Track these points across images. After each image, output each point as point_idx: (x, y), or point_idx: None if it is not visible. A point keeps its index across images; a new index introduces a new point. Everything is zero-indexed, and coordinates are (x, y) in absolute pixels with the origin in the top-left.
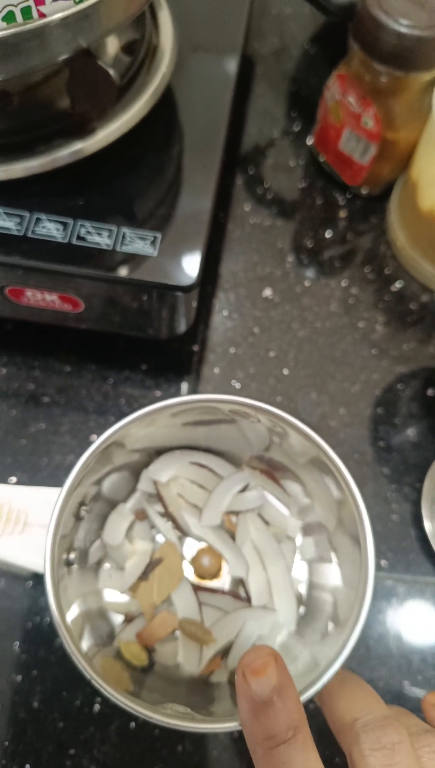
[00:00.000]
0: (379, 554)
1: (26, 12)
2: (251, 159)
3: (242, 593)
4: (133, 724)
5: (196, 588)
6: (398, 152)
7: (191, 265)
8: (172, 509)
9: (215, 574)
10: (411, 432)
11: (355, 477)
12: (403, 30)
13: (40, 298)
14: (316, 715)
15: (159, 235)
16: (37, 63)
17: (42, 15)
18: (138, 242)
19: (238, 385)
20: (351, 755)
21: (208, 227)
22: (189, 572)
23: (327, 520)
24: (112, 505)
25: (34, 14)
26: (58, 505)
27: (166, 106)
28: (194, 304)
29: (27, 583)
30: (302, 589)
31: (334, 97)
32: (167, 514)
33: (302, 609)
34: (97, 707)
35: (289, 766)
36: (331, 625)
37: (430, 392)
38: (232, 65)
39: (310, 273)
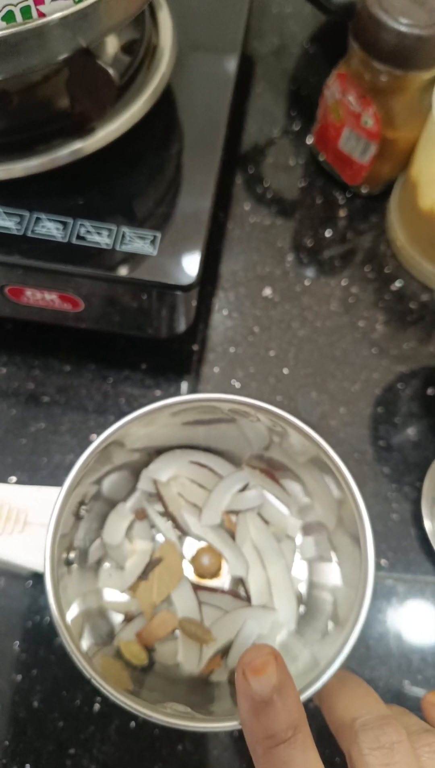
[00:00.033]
0: (379, 553)
1: (26, 11)
2: (251, 158)
3: (242, 592)
4: (133, 724)
5: (196, 587)
6: (398, 151)
7: (191, 265)
8: (171, 508)
9: (215, 574)
10: (411, 431)
11: (355, 476)
12: (403, 29)
13: (40, 297)
14: (316, 715)
15: (159, 235)
16: (36, 62)
17: (41, 14)
18: (138, 241)
19: (238, 385)
20: (350, 754)
21: (208, 226)
22: (189, 571)
23: (327, 520)
24: (112, 504)
25: (34, 14)
26: (57, 504)
27: (165, 105)
28: (194, 303)
29: (27, 582)
30: (302, 588)
31: (333, 96)
32: (167, 514)
33: (302, 608)
34: (97, 706)
35: (289, 765)
36: (331, 625)
37: (430, 391)
38: (231, 64)
39: (310, 272)
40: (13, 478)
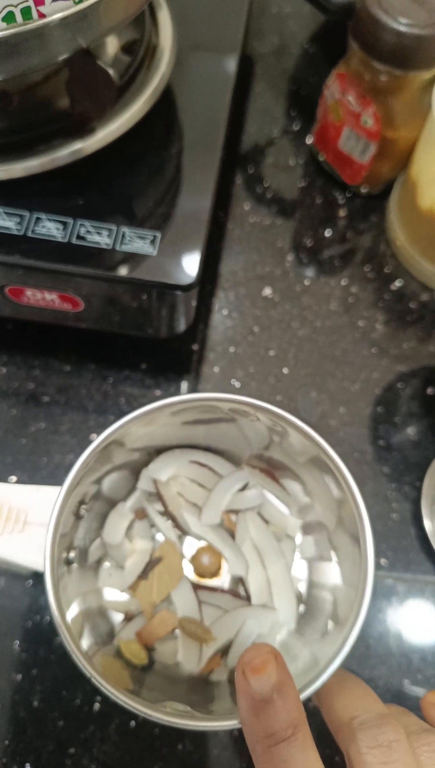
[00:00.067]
0: (379, 553)
1: (26, 12)
2: (251, 158)
3: (242, 592)
4: (133, 723)
5: (196, 587)
6: (398, 151)
7: (191, 264)
8: (171, 508)
9: (215, 573)
10: (411, 431)
11: (355, 476)
12: (403, 29)
13: (40, 297)
14: (316, 714)
15: (158, 235)
16: (36, 63)
17: (42, 15)
18: (137, 241)
19: (237, 384)
20: (348, 753)
21: (208, 226)
22: (189, 571)
23: (327, 519)
24: (112, 503)
25: (34, 14)
26: (57, 503)
27: (165, 105)
28: (194, 303)
29: (27, 581)
30: (302, 587)
31: (333, 96)
32: (167, 513)
33: (302, 608)
34: (97, 706)
35: (289, 764)
36: (330, 624)
37: (430, 391)
38: (231, 64)
39: (309, 272)
40: (13, 478)
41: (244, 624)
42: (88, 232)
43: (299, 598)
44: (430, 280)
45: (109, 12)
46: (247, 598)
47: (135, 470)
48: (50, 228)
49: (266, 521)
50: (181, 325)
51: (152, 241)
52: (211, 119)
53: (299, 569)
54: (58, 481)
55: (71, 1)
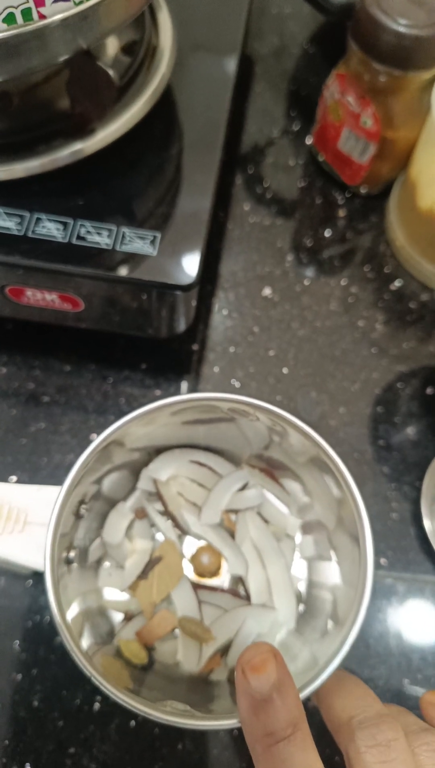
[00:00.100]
0: (378, 552)
1: (26, 13)
2: (251, 158)
3: (242, 591)
4: (133, 723)
5: (196, 586)
6: (397, 151)
7: (191, 265)
8: (171, 508)
9: (215, 573)
10: (411, 431)
11: (354, 476)
12: (402, 29)
13: (40, 297)
14: (316, 714)
15: (158, 235)
16: (37, 64)
17: (42, 16)
18: (137, 242)
19: (237, 384)
20: (347, 753)
21: (208, 226)
22: (188, 570)
23: (326, 519)
24: (112, 503)
25: (35, 16)
26: (58, 503)
27: (165, 105)
28: (194, 303)
29: (27, 581)
30: (302, 587)
31: (333, 97)
32: (167, 513)
33: (302, 607)
34: (97, 706)
35: (289, 763)
36: (330, 624)
37: (429, 391)
38: (231, 65)
39: (309, 272)
40: (14, 478)
41: (243, 623)
42: (89, 232)
43: (299, 598)
44: (429, 280)
45: (109, 13)
46: (247, 598)
47: (135, 470)
48: (50, 228)
49: (266, 521)
50: (181, 325)
51: (152, 242)
52: (211, 120)
53: (299, 569)
54: (58, 481)
55: (71, 2)
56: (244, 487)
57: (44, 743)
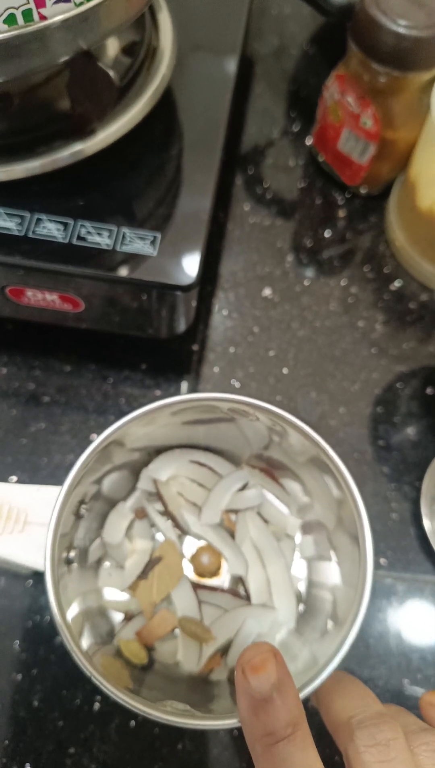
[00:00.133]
0: (378, 553)
1: (27, 14)
2: (251, 159)
3: (242, 591)
4: (133, 723)
5: (196, 586)
6: (397, 152)
7: (191, 265)
8: (171, 508)
9: (215, 573)
10: (410, 431)
11: (354, 476)
12: (402, 30)
13: (41, 298)
14: (315, 714)
15: (159, 235)
16: (37, 65)
17: (43, 17)
18: (138, 242)
19: (237, 385)
20: (346, 752)
21: (208, 227)
22: (188, 570)
23: (326, 519)
24: (112, 503)
25: (35, 17)
26: (58, 503)
27: (165, 106)
28: (194, 303)
29: (27, 581)
30: (302, 587)
31: (333, 97)
32: (167, 513)
33: (302, 607)
34: (97, 706)
35: (289, 762)
36: (330, 624)
37: (429, 391)
38: (231, 65)
39: (309, 272)
40: (14, 478)
41: (243, 623)
42: (89, 232)
43: (299, 598)
44: (429, 280)
45: (109, 14)
46: (247, 598)
47: (135, 470)
48: (51, 229)
49: (266, 521)
50: (181, 326)
51: (152, 242)
52: (211, 120)
53: (299, 569)
54: (58, 481)
55: (72, 3)
56: (244, 487)
57: (44, 743)
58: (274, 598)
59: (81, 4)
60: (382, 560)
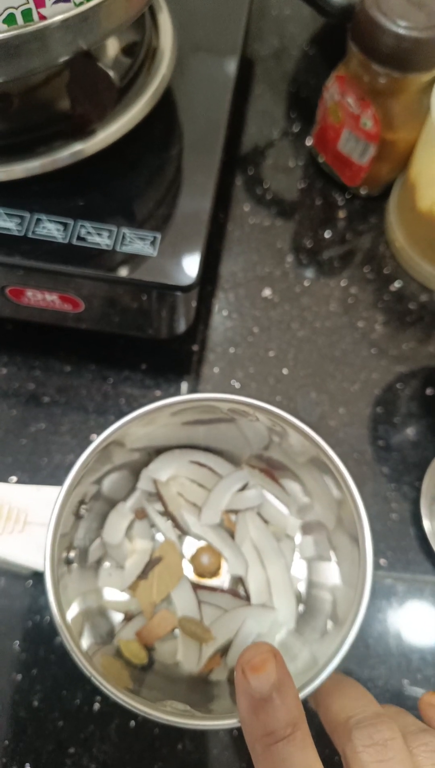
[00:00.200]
0: (378, 553)
1: (27, 14)
2: (251, 159)
3: (241, 591)
4: (132, 723)
5: (196, 586)
6: (397, 153)
7: (191, 265)
8: (171, 508)
9: (214, 573)
10: (410, 431)
11: (354, 476)
12: (402, 31)
13: (41, 298)
14: (315, 715)
15: (159, 236)
16: (37, 65)
17: (42, 17)
18: (138, 242)
19: (237, 385)
20: (344, 752)
21: (208, 227)
22: (188, 571)
23: (326, 519)
24: (112, 503)
25: (35, 17)
26: (58, 503)
27: (165, 107)
28: (194, 303)
29: (27, 581)
30: (301, 587)
31: (333, 98)
32: (167, 513)
33: (301, 607)
34: (97, 706)
35: (288, 762)
36: (330, 624)
37: (429, 391)
38: (231, 66)
39: (309, 273)
40: (14, 478)
41: (243, 623)
42: (89, 233)
43: (299, 598)
44: (429, 281)
45: (109, 14)
46: (247, 598)
47: (135, 470)
48: (51, 229)
49: (266, 521)
50: (181, 326)
51: (152, 242)
52: (211, 121)
53: (299, 569)
54: (58, 481)
55: (72, 3)
56: (244, 488)
57: (44, 743)
58: (273, 599)
59: (81, 4)
60: (382, 560)
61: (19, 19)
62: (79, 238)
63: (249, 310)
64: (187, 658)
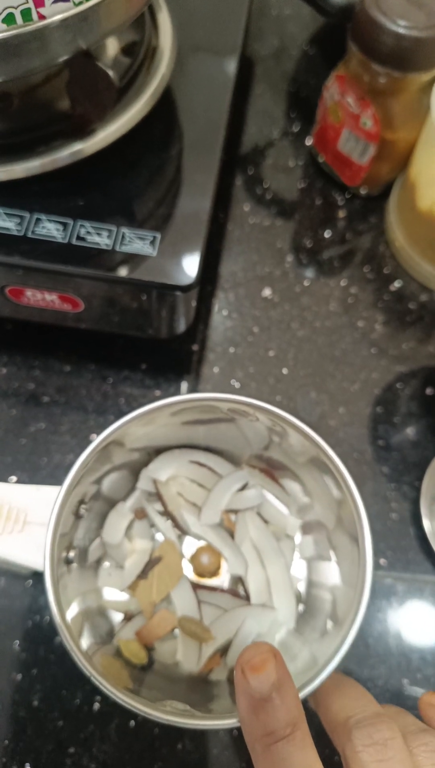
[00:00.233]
0: (378, 553)
1: (26, 14)
2: (251, 159)
3: (241, 591)
4: (132, 723)
5: (196, 586)
6: (397, 152)
7: (190, 265)
8: (171, 508)
9: (214, 573)
10: (410, 431)
11: (354, 476)
12: (401, 31)
13: (40, 298)
14: (315, 714)
15: (158, 235)
16: (37, 64)
17: (42, 17)
18: (137, 242)
19: (237, 385)
20: (344, 752)
21: (208, 227)
22: (188, 570)
23: (326, 519)
24: (112, 503)
25: (34, 16)
26: (57, 503)
27: (165, 106)
28: (193, 303)
29: (27, 581)
30: (301, 587)
31: (333, 98)
32: (166, 513)
33: (301, 607)
34: (96, 706)
35: (288, 762)
36: (329, 624)
37: (429, 391)
38: (231, 66)
39: (309, 273)
40: (14, 478)
41: (243, 623)
42: (88, 232)
43: (298, 598)
44: (429, 280)
45: (109, 14)
46: (247, 598)
47: (135, 470)
48: (50, 229)
49: (266, 521)
50: (181, 326)
51: (152, 242)
52: (211, 121)
53: (298, 569)
54: (58, 481)
55: (71, 2)
56: (243, 487)
57: (44, 743)
58: (273, 598)
59: (80, 3)
60: (382, 560)
61: (19, 19)
62: (79, 238)
63: (249, 309)
64: (187, 657)
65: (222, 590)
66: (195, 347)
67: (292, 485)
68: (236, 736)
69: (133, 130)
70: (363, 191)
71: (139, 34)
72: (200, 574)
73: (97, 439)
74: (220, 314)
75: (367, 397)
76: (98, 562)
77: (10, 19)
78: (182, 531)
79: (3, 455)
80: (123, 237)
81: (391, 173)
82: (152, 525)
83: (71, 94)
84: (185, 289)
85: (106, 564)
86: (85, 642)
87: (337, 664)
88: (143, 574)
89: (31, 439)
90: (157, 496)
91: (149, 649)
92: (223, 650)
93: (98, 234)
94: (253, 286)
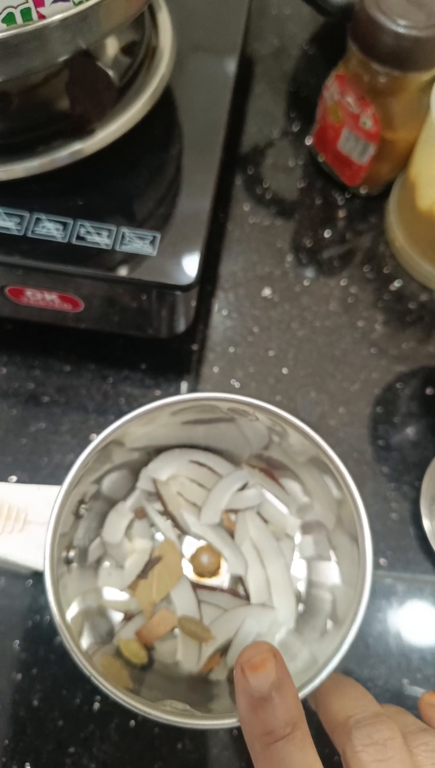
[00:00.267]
0: (378, 552)
1: (26, 13)
2: (250, 159)
3: (241, 591)
4: (132, 722)
5: (195, 586)
6: (397, 152)
7: (190, 265)
8: (171, 508)
9: (214, 572)
10: (410, 431)
11: (354, 476)
12: (401, 30)
13: (40, 297)
14: (315, 714)
15: (158, 235)
16: (36, 64)
17: (41, 16)
18: (137, 242)
19: (237, 384)
20: (344, 752)
21: (208, 227)
22: (188, 570)
23: (326, 519)
24: (112, 503)
25: (34, 16)
26: (57, 503)
27: (165, 106)
28: (193, 303)
29: (27, 581)
30: (301, 587)
31: (332, 98)
32: (166, 513)
33: (301, 607)
34: (96, 705)
35: (288, 761)
36: (329, 623)
37: (429, 391)
38: (231, 65)
39: (309, 272)
40: (14, 478)
41: (243, 623)
42: (88, 232)
43: (298, 598)
44: (429, 280)
45: (108, 13)
46: (247, 598)
47: (135, 470)
48: (50, 228)
49: (265, 521)
50: (181, 326)
51: (152, 242)
52: (210, 120)
53: (298, 568)
54: (58, 481)
55: (71, 2)
56: (243, 487)
57: (44, 743)
58: (273, 598)
59: (80, 3)
60: (382, 560)
61: (18, 19)
62: (79, 238)
63: (249, 309)
64: (187, 657)
65: (222, 590)
66: (195, 347)
67: (291, 485)
68: (236, 736)
69: (133, 130)
70: (363, 191)
71: (139, 33)
72: (200, 574)
73: (97, 439)
74: (220, 314)
75: (367, 397)
76: (98, 561)
77: (9, 19)
78: (182, 531)
79: (3, 455)
80: (123, 237)
81: (391, 173)
82: (152, 525)
83: (71, 94)
84: (185, 288)
85: (106, 564)
86: (85, 642)
87: (337, 664)
88: (143, 573)
89: (31, 439)
90: (157, 496)
91: (149, 648)
92: (223, 650)
93: (98, 234)
94: (253, 286)
